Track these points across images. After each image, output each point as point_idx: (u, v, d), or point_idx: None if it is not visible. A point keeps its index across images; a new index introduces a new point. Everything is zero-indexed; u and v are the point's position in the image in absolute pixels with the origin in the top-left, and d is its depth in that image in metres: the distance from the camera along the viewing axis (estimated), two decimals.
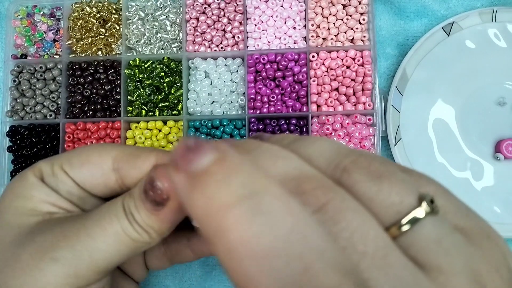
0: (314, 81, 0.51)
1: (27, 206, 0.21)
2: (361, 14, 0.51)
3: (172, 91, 0.53)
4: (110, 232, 0.19)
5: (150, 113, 0.53)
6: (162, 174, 0.20)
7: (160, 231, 0.20)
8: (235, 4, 0.53)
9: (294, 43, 0.52)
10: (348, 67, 0.51)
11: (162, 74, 0.53)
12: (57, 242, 0.19)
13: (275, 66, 0.52)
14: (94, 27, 0.54)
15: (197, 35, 0.53)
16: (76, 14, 0.55)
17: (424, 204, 0.14)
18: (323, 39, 0.52)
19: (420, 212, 0.14)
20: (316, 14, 0.51)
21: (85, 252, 0.19)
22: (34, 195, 0.21)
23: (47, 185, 0.21)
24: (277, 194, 0.12)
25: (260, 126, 0.51)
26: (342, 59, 0.51)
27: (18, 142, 0.53)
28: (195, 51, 0.53)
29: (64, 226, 0.20)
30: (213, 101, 0.53)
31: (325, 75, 0.51)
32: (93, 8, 0.54)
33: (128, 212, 0.20)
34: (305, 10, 0.52)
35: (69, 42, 0.55)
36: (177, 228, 0.25)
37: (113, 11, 0.55)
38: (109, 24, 0.55)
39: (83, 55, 0.54)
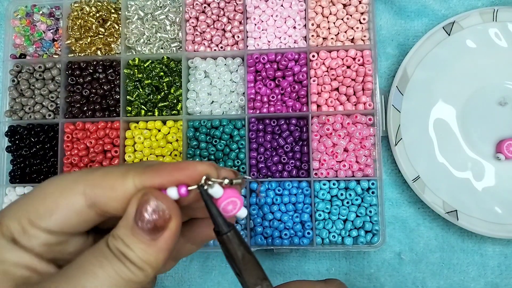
0: (314, 81, 0.51)
1: None
2: (362, 13, 0.51)
3: (172, 91, 0.52)
4: (102, 277, 0.18)
5: (150, 113, 0.52)
6: (159, 194, 0.18)
7: (156, 265, 0.19)
8: (235, 4, 0.52)
9: (294, 42, 0.52)
10: (348, 67, 0.51)
11: (162, 73, 0.52)
12: None
13: (275, 66, 0.51)
14: (93, 27, 0.54)
15: (196, 34, 0.53)
16: (75, 13, 0.54)
17: None
18: (323, 38, 0.51)
19: None
20: (316, 14, 0.51)
21: None
22: (5, 258, 0.19)
23: (19, 245, 0.19)
24: None
25: (260, 126, 0.51)
26: (343, 59, 0.50)
27: (17, 142, 0.53)
28: (194, 51, 0.52)
29: (43, 285, 0.18)
30: (212, 101, 0.53)
31: (325, 75, 0.51)
32: (92, 8, 0.54)
33: (118, 253, 0.18)
34: (305, 10, 0.52)
35: (68, 41, 0.54)
36: None
37: (113, 11, 0.55)
38: (108, 24, 0.54)
39: (82, 54, 0.54)
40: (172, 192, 0.19)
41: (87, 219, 0.20)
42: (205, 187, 0.19)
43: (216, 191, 0.20)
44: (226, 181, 0.20)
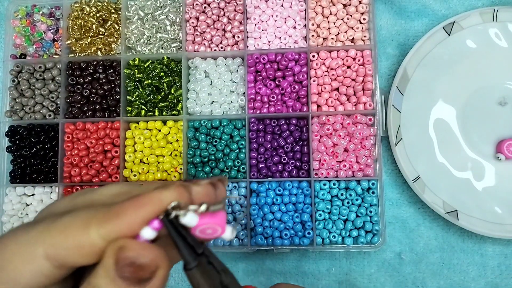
0: (314, 81, 0.51)
1: None
2: (362, 13, 0.51)
3: (172, 91, 0.52)
4: None
5: (150, 113, 0.52)
6: (136, 245, 0.16)
7: None
8: (235, 4, 0.52)
9: (294, 42, 0.52)
10: (348, 67, 0.51)
11: (162, 74, 0.52)
12: None
13: (275, 66, 0.51)
14: (94, 27, 0.54)
15: (197, 34, 0.53)
16: (76, 13, 0.54)
17: None
18: (324, 38, 0.52)
19: None
20: (317, 14, 0.51)
21: None
22: None
23: None
24: None
25: (260, 126, 0.51)
26: (343, 59, 0.50)
27: (17, 142, 0.53)
28: (194, 51, 0.52)
29: None
30: (212, 101, 0.53)
31: (325, 75, 0.51)
32: (93, 8, 0.54)
33: None
34: (305, 10, 0.52)
35: (69, 41, 0.54)
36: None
37: (113, 11, 0.55)
38: (108, 24, 0.54)
39: (83, 54, 0.54)
40: (147, 233, 0.17)
41: (58, 277, 0.18)
42: (172, 215, 0.17)
43: (188, 220, 0.17)
44: (203, 207, 0.18)
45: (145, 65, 0.53)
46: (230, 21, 0.53)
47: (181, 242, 0.18)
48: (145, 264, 0.16)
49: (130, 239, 0.17)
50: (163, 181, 0.50)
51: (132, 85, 0.52)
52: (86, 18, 0.54)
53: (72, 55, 0.55)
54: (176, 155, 0.52)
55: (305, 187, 0.49)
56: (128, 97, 0.53)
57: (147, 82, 0.52)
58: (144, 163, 0.52)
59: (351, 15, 0.51)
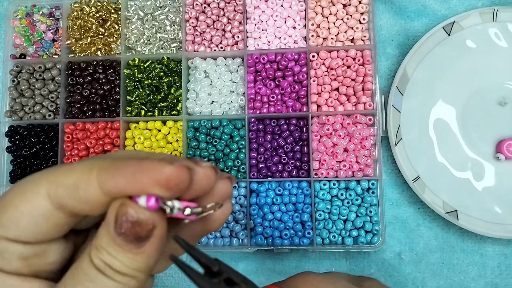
0: (314, 81, 0.51)
1: None
2: (362, 13, 0.51)
3: (172, 91, 0.52)
4: None
5: (150, 113, 0.52)
6: (138, 206, 0.17)
7: (147, 270, 0.17)
8: (235, 4, 0.52)
9: (294, 42, 0.52)
10: (348, 67, 0.51)
11: (162, 74, 0.52)
12: None
13: (275, 66, 0.51)
14: (93, 27, 0.54)
15: (196, 34, 0.53)
16: (75, 13, 0.54)
17: None
18: (323, 38, 0.51)
19: None
20: (316, 14, 0.51)
21: None
22: None
23: None
24: None
25: (260, 126, 0.51)
26: (343, 59, 0.50)
27: (17, 142, 0.53)
28: (194, 51, 0.52)
29: None
30: (212, 101, 0.53)
31: (325, 75, 0.51)
32: (92, 8, 0.54)
33: (104, 266, 0.17)
34: (305, 10, 0.52)
35: (68, 42, 0.54)
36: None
37: (112, 11, 0.55)
38: (108, 24, 0.54)
39: (82, 55, 0.54)
40: (142, 202, 0.17)
41: (58, 222, 0.18)
42: (166, 210, 0.17)
43: (176, 215, 0.17)
44: (188, 210, 0.17)
45: (145, 65, 0.53)
46: (230, 21, 0.53)
47: (194, 273, 0.18)
48: (143, 221, 0.16)
49: (129, 199, 0.17)
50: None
51: (132, 85, 0.52)
52: (86, 18, 0.54)
53: (72, 55, 0.55)
54: (176, 155, 0.52)
55: (305, 187, 0.49)
56: (128, 97, 0.53)
57: (147, 82, 0.52)
58: None
59: (351, 15, 0.51)
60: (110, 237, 0.17)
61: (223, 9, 0.53)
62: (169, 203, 0.17)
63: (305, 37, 0.52)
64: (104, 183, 0.17)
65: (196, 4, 0.53)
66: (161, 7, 0.54)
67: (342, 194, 0.49)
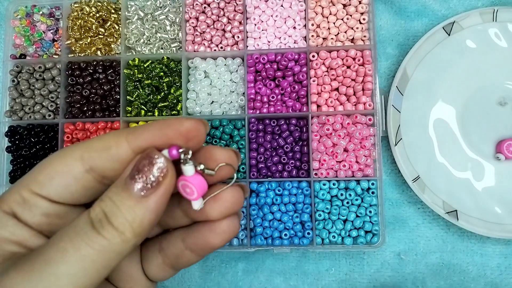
0: (314, 81, 0.51)
1: None
2: (362, 13, 0.51)
3: (172, 91, 0.52)
4: (70, 251, 0.17)
5: (149, 113, 0.52)
6: (157, 151, 0.19)
7: (139, 229, 0.18)
8: (235, 4, 0.52)
9: (294, 42, 0.52)
10: (348, 67, 0.51)
11: (162, 74, 0.52)
12: (12, 280, 0.17)
13: (275, 66, 0.51)
14: (93, 27, 0.54)
15: (196, 34, 0.53)
16: (75, 13, 0.54)
17: None
18: (323, 38, 0.52)
19: None
20: (316, 14, 0.51)
21: (45, 281, 0.17)
22: None
23: (18, 219, 0.19)
24: None
25: (260, 126, 0.51)
26: (343, 59, 0.50)
27: (17, 142, 0.53)
28: (194, 51, 0.52)
29: (20, 261, 0.18)
30: (212, 101, 0.53)
31: (325, 75, 0.51)
32: (92, 8, 0.54)
33: (96, 220, 0.18)
34: (305, 10, 0.52)
35: (68, 42, 0.54)
36: (169, 230, 0.24)
37: (113, 11, 0.55)
38: (108, 24, 0.54)
39: (82, 55, 0.54)
40: (165, 152, 0.19)
41: (86, 185, 0.20)
42: (182, 156, 0.19)
43: (187, 169, 0.19)
44: (201, 166, 0.20)
45: (145, 65, 0.53)
46: (230, 21, 0.53)
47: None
48: (161, 163, 0.18)
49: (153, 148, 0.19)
50: None
51: (131, 85, 0.52)
52: (86, 18, 0.54)
53: (72, 55, 0.55)
54: None
55: (304, 187, 0.49)
56: (127, 97, 0.53)
57: (146, 82, 0.52)
58: None
59: (351, 15, 0.51)
60: (121, 183, 0.18)
61: (223, 9, 0.53)
62: (187, 156, 0.19)
63: (305, 37, 0.52)
64: (133, 141, 0.19)
65: (196, 4, 0.53)
66: (161, 7, 0.54)
67: (342, 194, 0.49)
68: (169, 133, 0.19)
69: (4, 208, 0.19)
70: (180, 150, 0.19)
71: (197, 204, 0.20)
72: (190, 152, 0.19)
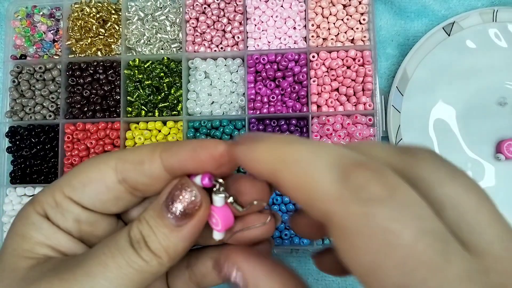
0: (314, 81, 0.51)
1: (24, 247, 0.19)
2: (362, 14, 0.51)
3: (172, 91, 0.52)
4: (112, 267, 0.17)
5: (150, 114, 0.52)
6: (193, 182, 0.19)
7: (173, 254, 0.18)
8: (235, 4, 0.52)
9: (294, 43, 0.52)
10: (348, 67, 0.51)
11: (162, 74, 0.52)
12: (53, 286, 0.17)
13: (275, 66, 0.51)
14: (94, 28, 0.54)
15: (196, 35, 0.53)
16: (76, 14, 0.54)
17: None
18: (323, 39, 0.52)
19: None
20: (316, 14, 0.51)
21: None
22: (32, 235, 0.19)
23: (50, 221, 0.20)
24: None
25: (260, 127, 0.51)
26: (343, 59, 0.50)
27: (17, 143, 0.53)
28: (194, 51, 0.52)
29: (59, 268, 0.18)
30: (213, 102, 0.53)
31: (325, 75, 0.51)
32: (93, 9, 0.54)
33: (135, 240, 0.18)
34: (305, 10, 0.52)
35: (69, 42, 0.54)
36: (199, 248, 0.24)
37: (113, 12, 0.55)
38: (108, 25, 0.54)
39: (83, 55, 0.54)
40: (198, 180, 0.19)
41: (118, 195, 0.20)
42: (214, 188, 0.19)
43: (217, 199, 0.19)
44: (231, 199, 0.19)
45: (145, 66, 0.53)
46: (230, 21, 0.53)
47: None
48: (195, 196, 0.18)
49: (188, 178, 0.19)
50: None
51: (132, 85, 0.53)
52: (86, 18, 0.54)
53: (72, 55, 0.55)
54: None
55: None
56: (128, 97, 0.53)
57: (147, 82, 0.52)
58: None
59: (351, 16, 0.51)
60: (157, 210, 0.18)
61: (223, 10, 0.53)
62: (218, 185, 0.19)
63: (305, 37, 0.52)
64: (166, 159, 0.19)
65: (196, 4, 0.53)
66: (161, 7, 0.54)
67: None
68: (202, 155, 0.18)
69: (38, 210, 0.20)
70: (213, 180, 0.19)
71: (218, 236, 0.20)
72: (222, 182, 0.19)
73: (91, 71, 0.53)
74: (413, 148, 0.16)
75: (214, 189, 0.19)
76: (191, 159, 0.19)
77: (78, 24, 0.54)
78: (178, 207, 0.18)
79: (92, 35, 0.54)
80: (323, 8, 0.51)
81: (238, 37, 0.52)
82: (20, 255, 0.19)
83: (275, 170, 0.15)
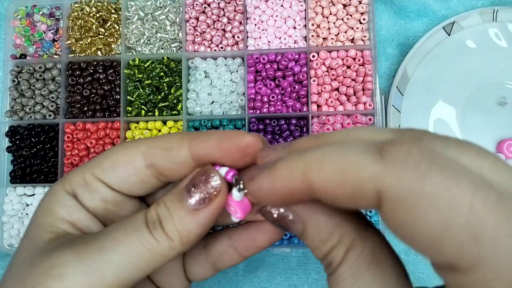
0: (314, 81, 0.51)
1: (48, 221, 0.20)
2: (362, 13, 0.51)
3: (172, 91, 0.52)
4: (124, 243, 0.18)
5: (150, 113, 0.52)
6: (214, 170, 0.19)
7: (186, 239, 0.19)
8: (235, 4, 0.52)
9: (294, 42, 0.52)
10: (348, 67, 0.51)
11: (162, 74, 0.52)
12: (65, 257, 0.18)
13: (275, 66, 0.51)
14: (94, 27, 0.54)
15: (196, 34, 0.53)
16: (76, 14, 0.54)
17: None
18: (324, 38, 0.52)
19: None
20: (316, 14, 0.51)
21: (95, 265, 0.18)
22: (56, 210, 0.20)
23: (76, 200, 0.21)
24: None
25: (260, 126, 0.51)
26: (343, 59, 0.50)
27: (17, 142, 0.53)
28: (194, 51, 0.52)
29: (75, 242, 0.19)
30: (213, 101, 0.53)
31: (325, 75, 0.51)
32: (93, 8, 0.54)
33: (151, 221, 0.19)
34: (305, 10, 0.52)
35: (69, 42, 0.54)
36: (215, 228, 0.24)
37: (113, 11, 0.55)
38: (108, 24, 0.54)
39: (83, 55, 0.54)
40: (222, 171, 0.19)
41: (144, 179, 0.21)
42: (236, 186, 0.19)
43: (237, 195, 0.19)
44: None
45: (145, 65, 0.53)
46: (230, 21, 0.53)
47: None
48: (215, 182, 0.19)
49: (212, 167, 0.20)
50: None
51: (132, 85, 0.52)
52: (86, 18, 0.54)
53: (72, 55, 0.55)
54: None
55: None
56: (128, 97, 0.53)
57: (147, 82, 0.52)
58: None
59: (351, 15, 0.51)
60: (177, 193, 0.19)
61: (223, 9, 0.53)
62: (242, 184, 0.19)
63: (305, 37, 0.52)
64: (194, 147, 0.20)
65: (196, 4, 0.53)
66: (161, 7, 0.54)
67: None
68: (228, 145, 0.19)
69: (67, 188, 0.21)
70: (236, 177, 0.19)
71: (237, 219, 0.20)
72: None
73: (91, 71, 0.53)
74: (412, 129, 0.16)
75: (236, 185, 0.19)
76: (217, 148, 0.19)
77: (78, 24, 0.54)
78: (199, 191, 0.19)
79: (92, 34, 0.54)
80: (323, 8, 0.51)
81: (238, 37, 0.52)
82: (43, 228, 0.20)
83: (309, 178, 0.15)
